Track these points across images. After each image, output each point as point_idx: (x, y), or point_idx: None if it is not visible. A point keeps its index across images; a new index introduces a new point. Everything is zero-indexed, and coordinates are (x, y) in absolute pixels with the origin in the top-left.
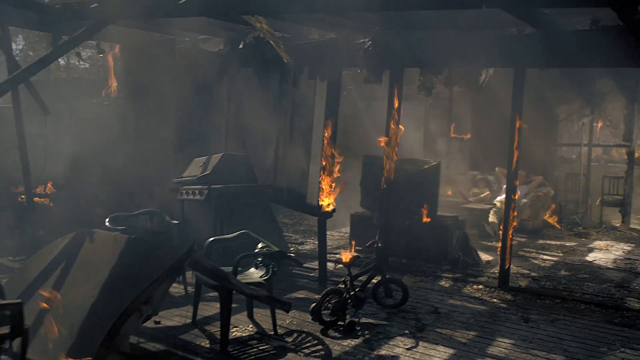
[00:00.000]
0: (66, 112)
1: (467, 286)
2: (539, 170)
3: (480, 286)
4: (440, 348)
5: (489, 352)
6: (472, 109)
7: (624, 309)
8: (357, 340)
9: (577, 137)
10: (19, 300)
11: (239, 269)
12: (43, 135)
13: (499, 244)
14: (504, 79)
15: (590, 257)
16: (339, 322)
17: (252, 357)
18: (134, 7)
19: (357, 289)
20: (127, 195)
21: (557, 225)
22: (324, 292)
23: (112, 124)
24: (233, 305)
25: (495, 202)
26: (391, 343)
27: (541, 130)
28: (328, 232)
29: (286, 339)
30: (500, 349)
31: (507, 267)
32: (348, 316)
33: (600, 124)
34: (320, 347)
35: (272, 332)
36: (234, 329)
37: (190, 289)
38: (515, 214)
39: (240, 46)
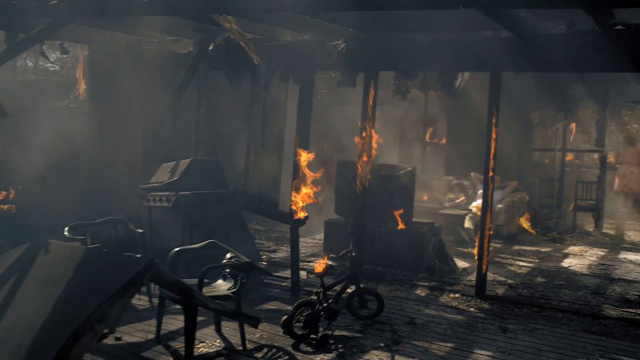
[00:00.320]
0: (31, 115)
1: (443, 295)
2: (513, 175)
3: (457, 295)
4: None
5: None
6: (447, 114)
7: (601, 317)
8: (330, 354)
9: (550, 142)
10: None
11: (206, 280)
12: None
13: (475, 251)
14: (479, 84)
15: (566, 262)
16: (312, 336)
17: None
18: (94, 3)
19: (330, 300)
20: (93, 201)
21: (532, 231)
22: (295, 304)
23: (77, 127)
24: (200, 318)
25: (470, 208)
26: (366, 357)
27: (515, 135)
28: (301, 239)
29: (256, 355)
30: None
31: (484, 275)
32: (321, 329)
33: (573, 129)
34: None
35: (241, 348)
36: (200, 344)
37: (156, 301)
38: (491, 222)
39: (210, 48)
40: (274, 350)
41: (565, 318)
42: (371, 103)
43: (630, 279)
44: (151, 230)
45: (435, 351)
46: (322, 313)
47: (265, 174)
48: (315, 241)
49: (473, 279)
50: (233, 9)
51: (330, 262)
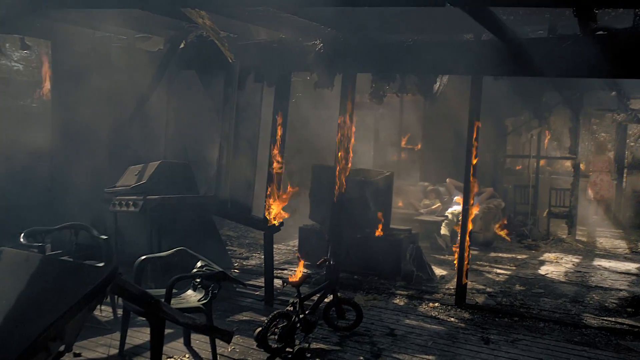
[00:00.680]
0: None
1: (422, 304)
2: (488, 182)
3: (437, 304)
4: None
5: None
6: (422, 119)
7: (583, 327)
8: None
9: (522, 148)
10: None
11: (175, 290)
12: None
13: (452, 257)
14: (455, 88)
15: (543, 270)
16: (287, 349)
17: None
18: None
19: (307, 311)
20: (54, 205)
21: (507, 238)
22: (270, 316)
23: (39, 127)
24: (168, 330)
25: (447, 214)
26: None
27: (490, 142)
28: (275, 246)
29: None
30: None
31: (464, 283)
32: (297, 342)
33: (548, 136)
34: None
35: None
36: None
37: (120, 312)
38: (472, 227)
39: (182, 46)
40: None
41: (547, 328)
42: (349, 106)
43: (607, 286)
44: (117, 236)
45: None
46: (298, 325)
47: (238, 178)
48: (288, 248)
49: (452, 287)
50: (205, 3)
51: (306, 270)
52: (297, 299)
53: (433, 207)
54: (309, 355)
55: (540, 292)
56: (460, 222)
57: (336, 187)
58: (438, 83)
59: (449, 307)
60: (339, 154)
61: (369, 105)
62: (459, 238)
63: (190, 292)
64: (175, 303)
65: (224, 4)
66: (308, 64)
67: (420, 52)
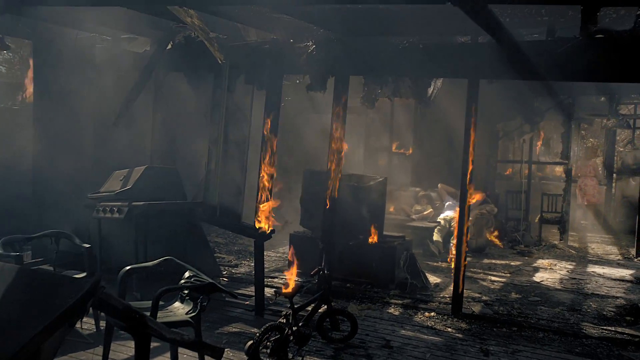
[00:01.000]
0: None
1: (418, 313)
2: (480, 187)
3: (433, 313)
4: None
5: None
6: (414, 123)
7: (583, 337)
8: None
9: (513, 153)
10: None
11: (161, 303)
12: None
13: (445, 264)
14: (448, 92)
15: (537, 277)
16: None
17: None
18: None
19: (300, 323)
20: (36, 212)
21: (499, 244)
22: (262, 329)
23: (21, 131)
24: (154, 344)
25: (439, 220)
26: None
27: (482, 146)
28: (265, 253)
29: None
30: None
31: (460, 292)
32: (290, 355)
33: (540, 141)
34: None
35: None
36: None
37: (104, 324)
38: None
39: (169, 47)
40: None
41: (547, 338)
42: (342, 108)
43: (603, 293)
44: (101, 244)
45: None
46: (291, 338)
47: (227, 184)
48: (279, 255)
49: (447, 296)
50: (194, 1)
51: (297, 279)
52: (290, 311)
53: (425, 212)
54: None
55: (536, 300)
56: (452, 228)
57: (328, 193)
58: (432, 87)
59: (446, 317)
60: (331, 157)
61: (359, 110)
62: (450, 245)
63: (177, 304)
64: (161, 316)
65: (213, 2)
66: (300, 66)
67: (416, 54)
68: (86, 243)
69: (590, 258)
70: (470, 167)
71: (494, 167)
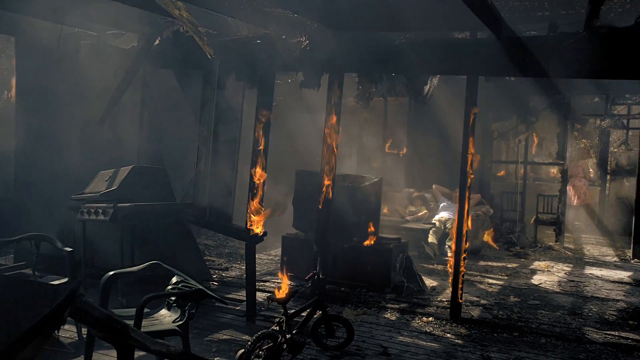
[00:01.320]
0: None
1: (415, 318)
2: (475, 188)
3: (431, 318)
4: None
5: None
6: (408, 123)
7: (587, 342)
8: None
9: (507, 154)
10: None
11: (147, 310)
12: None
13: (441, 266)
14: (443, 91)
15: (535, 279)
16: None
17: None
18: None
19: (294, 331)
20: (18, 214)
21: (495, 245)
22: (254, 337)
23: (2, 130)
24: (139, 354)
25: (434, 221)
26: None
27: (478, 147)
28: (257, 256)
29: None
30: None
31: (459, 297)
32: None
33: (535, 142)
34: None
35: None
36: None
37: (85, 332)
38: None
39: (157, 42)
40: None
41: (550, 344)
42: (336, 107)
43: (603, 296)
44: (85, 247)
45: None
46: (285, 346)
47: (217, 184)
48: (271, 257)
49: (444, 299)
50: None
51: (291, 283)
52: (284, 317)
53: (419, 214)
54: None
55: (536, 304)
56: (447, 230)
57: (322, 194)
58: (429, 85)
59: (444, 322)
60: (325, 157)
61: (352, 109)
62: (446, 247)
63: (164, 311)
64: (147, 325)
65: None
66: (293, 63)
67: (413, 50)
68: (71, 246)
69: (587, 260)
70: (470, 170)
71: (489, 168)
